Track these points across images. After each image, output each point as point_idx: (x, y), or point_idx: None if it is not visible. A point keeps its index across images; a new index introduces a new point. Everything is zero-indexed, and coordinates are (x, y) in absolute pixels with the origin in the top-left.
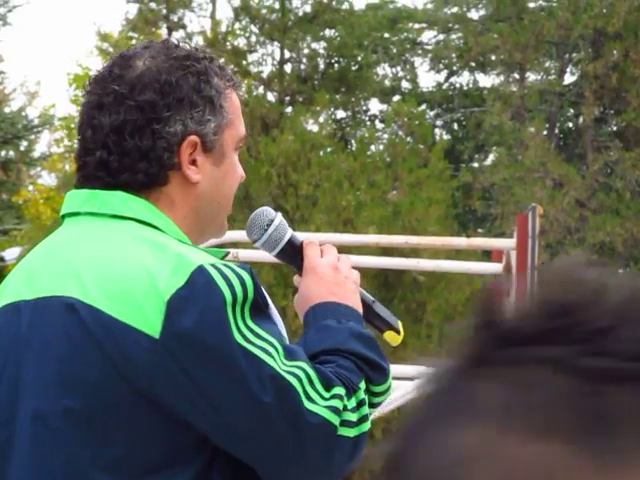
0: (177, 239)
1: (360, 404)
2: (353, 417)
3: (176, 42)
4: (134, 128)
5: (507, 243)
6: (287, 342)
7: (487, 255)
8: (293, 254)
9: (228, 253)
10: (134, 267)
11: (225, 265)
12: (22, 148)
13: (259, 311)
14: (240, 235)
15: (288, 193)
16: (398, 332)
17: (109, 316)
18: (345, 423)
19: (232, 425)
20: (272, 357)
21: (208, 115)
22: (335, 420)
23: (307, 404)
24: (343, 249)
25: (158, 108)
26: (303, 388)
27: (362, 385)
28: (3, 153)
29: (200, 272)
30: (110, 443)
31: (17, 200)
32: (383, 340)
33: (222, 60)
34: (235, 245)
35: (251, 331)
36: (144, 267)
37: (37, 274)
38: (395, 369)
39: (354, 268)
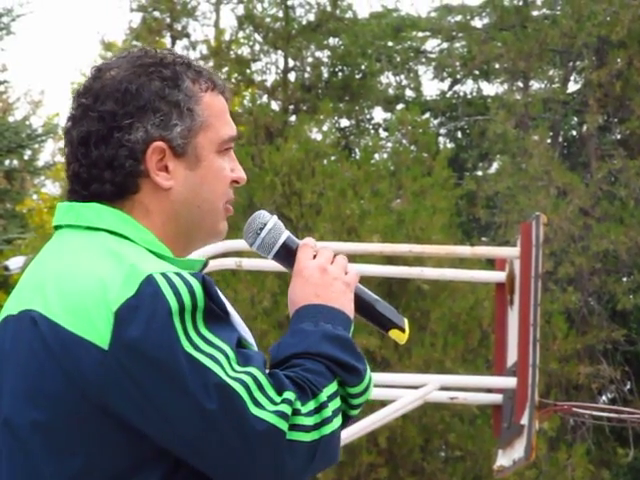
0: (148, 248)
1: (320, 407)
2: (308, 421)
3: (150, 49)
4: (98, 138)
5: (511, 251)
6: (253, 347)
7: (491, 263)
8: (289, 257)
9: (207, 263)
10: (90, 279)
11: (176, 274)
12: (26, 157)
13: (213, 318)
14: (244, 244)
15: (292, 202)
16: (403, 330)
17: (64, 329)
18: (297, 427)
19: (181, 434)
20: (219, 364)
21: (174, 120)
22: (282, 425)
23: (253, 410)
24: (347, 257)
25: (118, 117)
26: (250, 394)
27: (328, 388)
28: (7, 162)
29: (148, 282)
30: (71, 455)
31: (21, 209)
32: (389, 342)
33: (202, 65)
34: (239, 254)
35: (202, 338)
36: (99, 278)
37: (22, 288)
38: (399, 377)
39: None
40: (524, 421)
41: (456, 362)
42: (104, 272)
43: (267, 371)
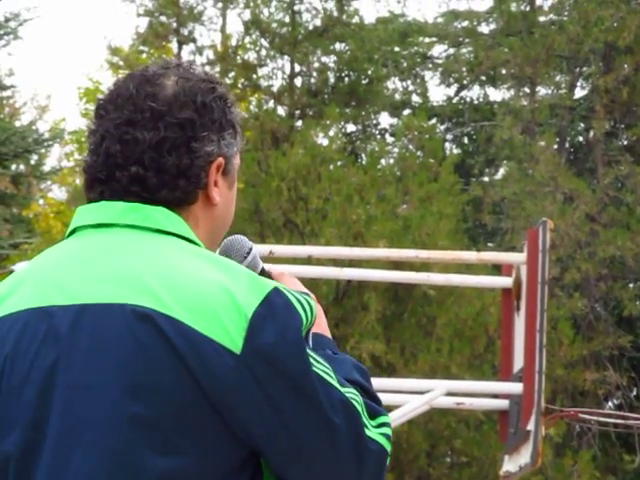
0: None
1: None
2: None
3: (191, 65)
4: (173, 145)
5: (517, 257)
6: None
7: (497, 269)
8: None
9: None
10: (208, 281)
11: (288, 290)
12: (32, 162)
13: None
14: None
15: (298, 207)
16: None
17: (190, 328)
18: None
19: (300, 444)
20: (335, 380)
21: (231, 139)
22: (388, 446)
23: (366, 430)
24: (353, 263)
25: (197, 127)
26: (362, 413)
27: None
28: (13, 167)
29: (277, 293)
30: (172, 452)
31: (27, 214)
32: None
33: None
34: None
35: (312, 355)
36: (218, 283)
37: (73, 281)
38: (405, 383)
39: (364, 282)
40: (530, 427)
41: (462, 367)
42: (219, 277)
43: None
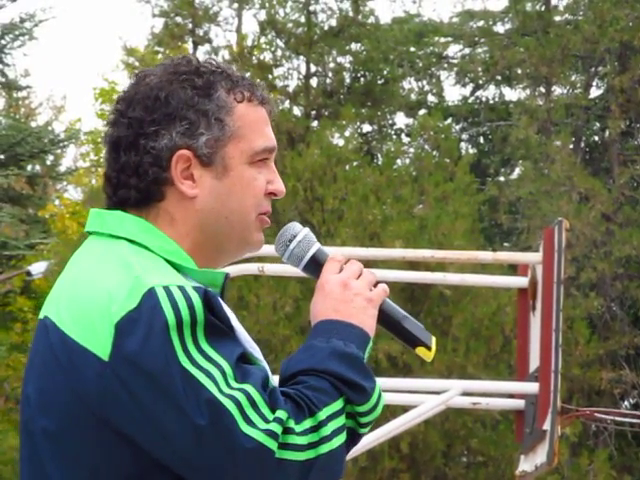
0: (166, 258)
1: (318, 426)
2: (301, 440)
3: (191, 58)
4: (126, 144)
5: (533, 257)
6: (260, 362)
7: (513, 269)
8: (317, 270)
9: (228, 275)
10: (97, 290)
11: (179, 287)
12: (48, 162)
13: (214, 332)
14: (267, 249)
15: (314, 207)
16: (429, 348)
17: (70, 338)
18: (289, 447)
19: (173, 448)
20: (213, 380)
21: (201, 129)
22: (271, 444)
23: (244, 428)
24: (369, 263)
25: (145, 124)
26: (242, 412)
27: (331, 407)
28: (29, 167)
29: (149, 295)
30: (77, 464)
31: (43, 214)
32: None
33: (245, 76)
34: (262, 260)
35: (201, 352)
36: (105, 290)
37: (50, 293)
38: (421, 383)
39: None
40: (546, 426)
41: (478, 367)
42: (111, 283)
43: (268, 388)
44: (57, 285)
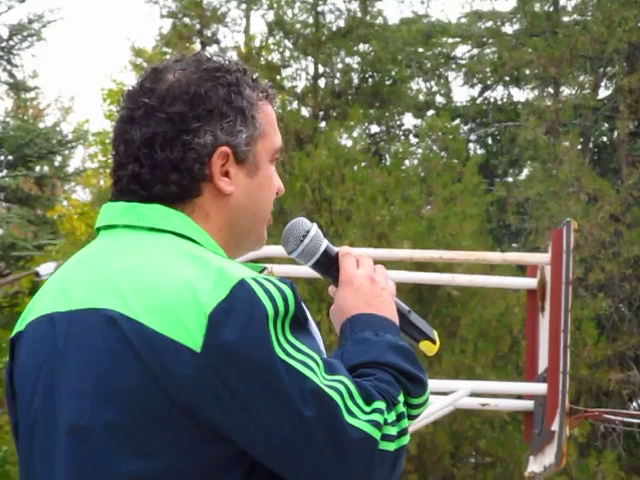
0: (214, 252)
1: (400, 417)
2: (393, 431)
3: (209, 55)
4: (164, 140)
5: (542, 258)
6: (325, 356)
7: (521, 270)
8: (328, 265)
9: (265, 268)
10: (175, 281)
11: (266, 279)
12: (56, 163)
13: (300, 325)
14: (275, 250)
15: (322, 208)
16: (434, 342)
17: (151, 329)
18: (386, 437)
19: (273, 439)
20: (313, 371)
21: (239, 126)
22: (377, 434)
23: (348, 418)
24: (377, 264)
25: (187, 119)
26: (344, 402)
27: (401, 398)
28: (38, 168)
29: (242, 286)
30: (148, 456)
31: (52, 215)
32: (419, 351)
33: (256, 74)
34: (270, 260)
35: (292, 345)
36: (185, 281)
37: (73, 286)
38: (429, 383)
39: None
40: (555, 427)
41: (486, 368)
42: (189, 274)
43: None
44: (88, 276)
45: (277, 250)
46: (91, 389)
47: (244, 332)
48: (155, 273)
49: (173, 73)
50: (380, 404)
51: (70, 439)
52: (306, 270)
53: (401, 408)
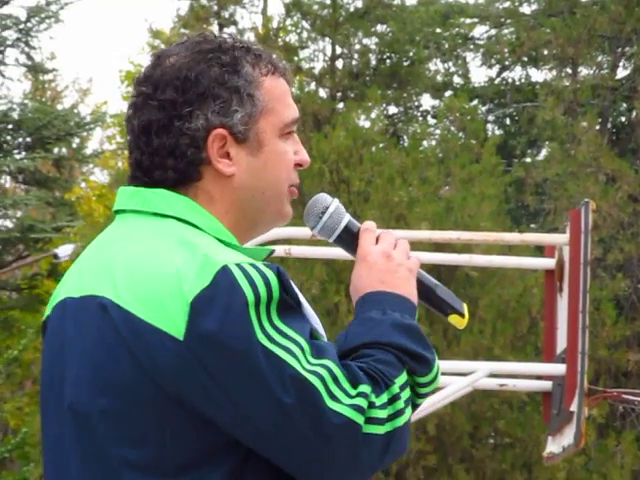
0: (216, 237)
1: (393, 399)
2: (382, 414)
3: (211, 35)
4: (159, 127)
5: (560, 238)
6: (324, 338)
7: (540, 250)
8: (350, 241)
9: (273, 251)
10: (162, 268)
11: (251, 265)
12: (74, 145)
13: (288, 309)
14: (293, 231)
15: (340, 189)
16: (462, 315)
17: (138, 318)
18: (372, 420)
19: (256, 426)
20: (295, 357)
21: (235, 106)
22: (359, 419)
23: (330, 403)
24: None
25: (178, 105)
26: (326, 387)
27: (399, 379)
28: (56, 150)
29: (224, 273)
30: (141, 444)
31: (70, 197)
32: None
33: (260, 49)
34: (288, 241)
35: (277, 330)
36: (172, 268)
37: (83, 272)
38: (448, 364)
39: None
40: (573, 408)
41: (505, 349)
42: (177, 262)
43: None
44: (96, 262)
45: (295, 231)
46: (89, 377)
47: (224, 319)
48: (147, 261)
49: (170, 58)
50: (365, 387)
51: (74, 424)
52: (324, 251)
53: (395, 390)
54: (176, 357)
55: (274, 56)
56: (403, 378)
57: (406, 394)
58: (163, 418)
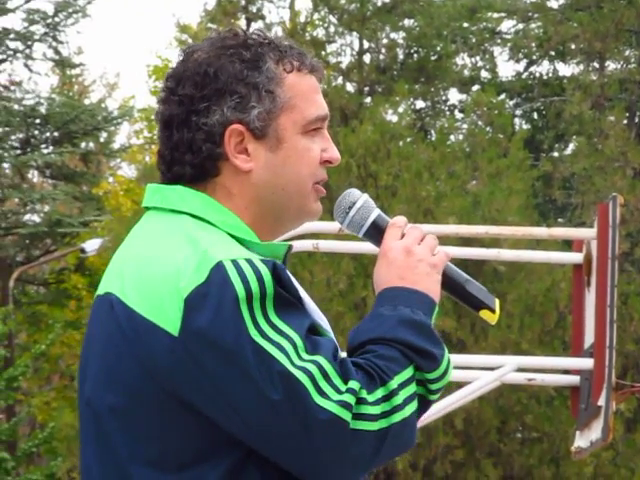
0: (229, 233)
1: (390, 395)
2: (374, 410)
3: (238, 30)
4: (178, 122)
5: (588, 233)
6: (328, 333)
7: (568, 245)
8: (378, 236)
9: (291, 247)
10: (166, 265)
11: (247, 260)
12: (102, 140)
13: (284, 305)
14: (321, 226)
15: (368, 184)
16: (493, 310)
17: (138, 314)
18: (362, 417)
19: (246, 421)
20: (285, 353)
21: (253, 102)
22: (345, 415)
23: (317, 399)
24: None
25: (195, 100)
26: (315, 384)
27: (401, 375)
28: (83, 145)
29: (217, 269)
30: (147, 440)
31: (97, 192)
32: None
33: (289, 45)
34: (316, 236)
35: (271, 326)
36: (174, 265)
37: (109, 269)
38: (476, 359)
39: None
40: (601, 402)
41: (533, 343)
42: (179, 258)
43: (338, 358)
44: (117, 260)
45: (322, 226)
46: (100, 374)
47: (215, 316)
48: (154, 259)
49: (196, 53)
50: (354, 384)
51: (91, 420)
52: (352, 246)
53: (393, 386)
54: (172, 354)
55: (304, 53)
56: (406, 374)
57: (408, 390)
58: (166, 415)
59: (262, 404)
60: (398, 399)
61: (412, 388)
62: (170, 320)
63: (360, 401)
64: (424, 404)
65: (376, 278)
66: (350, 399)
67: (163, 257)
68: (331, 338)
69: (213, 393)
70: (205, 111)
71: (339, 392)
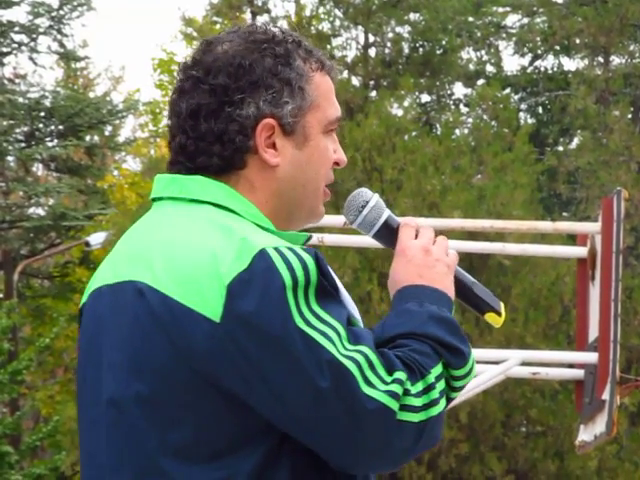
0: (255, 222)
1: (428, 388)
2: (417, 402)
3: (263, 26)
4: (208, 112)
5: (592, 227)
6: (360, 325)
7: (572, 239)
8: (389, 236)
9: (310, 237)
10: (200, 251)
11: (289, 249)
12: (107, 133)
13: (325, 294)
14: (326, 220)
15: (373, 178)
16: (499, 314)
17: (174, 300)
18: (407, 408)
19: (291, 409)
20: (332, 341)
21: (285, 97)
22: (394, 405)
23: (365, 389)
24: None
25: (230, 91)
26: (362, 373)
27: (435, 370)
28: (88, 138)
29: (261, 256)
30: (177, 427)
31: (102, 185)
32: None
33: (312, 46)
34: (321, 230)
35: (314, 314)
36: (210, 251)
37: (119, 259)
38: (480, 353)
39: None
40: (605, 396)
41: (537, 337)
42: (215, 245)
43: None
44: (131, 249)
45: (328, 220)
46: (125, 362)
47: (261, 302)
48: (184, 245)
49: (222, 45)
50: (401, 374)
51: (109, 410)
52: (356, 240)
53: (431, 379)
54: (212, 339)
55: (322, 53)
56: (439, 369)
57: (441, 385)
58: (199, 402)
59: (309, 391)
60: (435, 393)
61: (443, 383)
62: (210, 306)
63: (405, 392)
64: (447, 401)
65: (394, 276)
66: (398, 389)
67: (195, 244)
68: (368, 330)
69: (255, 379)
70: (240, 102)
71: (385, 382)
